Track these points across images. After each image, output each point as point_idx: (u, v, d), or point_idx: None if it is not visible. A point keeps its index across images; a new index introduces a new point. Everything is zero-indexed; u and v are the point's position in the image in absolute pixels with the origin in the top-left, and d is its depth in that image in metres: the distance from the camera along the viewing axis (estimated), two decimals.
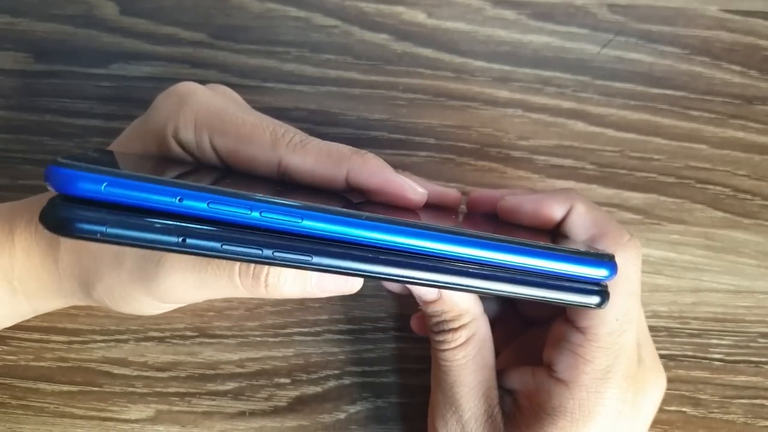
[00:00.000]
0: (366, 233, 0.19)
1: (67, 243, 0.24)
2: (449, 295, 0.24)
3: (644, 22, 0.34)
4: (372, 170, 0.23)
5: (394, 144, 0.33)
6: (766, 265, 0.32)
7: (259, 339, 0.31)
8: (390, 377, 0.31)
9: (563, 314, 0.25)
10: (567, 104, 0.33)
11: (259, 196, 0.18)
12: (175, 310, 0.31)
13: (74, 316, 0.31)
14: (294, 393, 0.31)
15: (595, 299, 0.21)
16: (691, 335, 0.32)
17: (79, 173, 0.17)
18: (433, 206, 0.26)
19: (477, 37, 0.34)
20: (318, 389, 0.31)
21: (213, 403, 0.31)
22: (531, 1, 0.34)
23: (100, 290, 0.24)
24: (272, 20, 0.34)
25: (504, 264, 0.20)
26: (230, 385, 0.31)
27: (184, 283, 0.22)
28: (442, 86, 0.34)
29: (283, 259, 0.19)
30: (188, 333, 0.31)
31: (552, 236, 0.24)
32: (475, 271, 0.20)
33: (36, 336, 0.31)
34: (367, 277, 0.19)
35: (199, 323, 0.31)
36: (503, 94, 0.33)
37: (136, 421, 0.31)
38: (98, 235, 0.17)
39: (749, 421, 0.31)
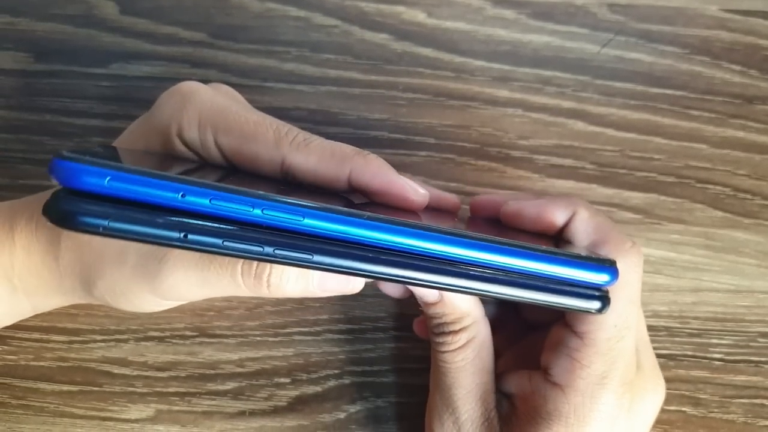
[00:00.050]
0: (367, 233, 0.19)
1: (68, 240, 0.24)
2: (450, 297, 0.24)
3: (644, 21, 0.34)
4: (374, 171, 0.23)
5: (394, 143, 0.33)
6: (766, 264, 0.32)
7: (259, 339, 0.31)
8: (390, 377, 0.31)
9: (562, 319, 0.25)
10: (567, 104, 0.33)
11: (261, 193, 0.18)
12: (174, 310, 0.31)
13: (74, 315, 0.31)
14: (294, 393, 0.31)
15: (595, 304, 0.21)
16: (691, 335, 0.32)
17: (83, 167, 0.17)
18: (433, 209, 0.26)
19: (477, 37, 0.34)
20: (318, 389, 0.31)
21: (213, 402, 0.31)
22: (531, 1, 0.34)
23: (102, 287, 0.24)
24: (272, 20, 0.34)
25: (505, 267, 0.20)
26: (230, 385, 0.31)
27: (187, 281, 0.22)
28: (442, 86, 0.34)
29: (284, 257, 0.19)
30: (188, 333, 0.31)
31: (555, 241, 0.24)
32: (476, 273, 0.20)
33: (36, 336, 0.31)
34: (368, 276, 0.19)
35: (199, 323, 0.31)
36: (503, 93, 0.33)
37: (136, 420, 0.31)
38: (100, 228, 0.18)
39: (749, 421, 0.31)
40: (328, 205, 0.19)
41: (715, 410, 0.31)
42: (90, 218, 0.17)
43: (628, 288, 0.23)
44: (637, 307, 0.24)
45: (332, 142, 0.24)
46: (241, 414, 0.31)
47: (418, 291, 0.24)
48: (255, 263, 0.22)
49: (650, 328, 0.27)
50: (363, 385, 0.31)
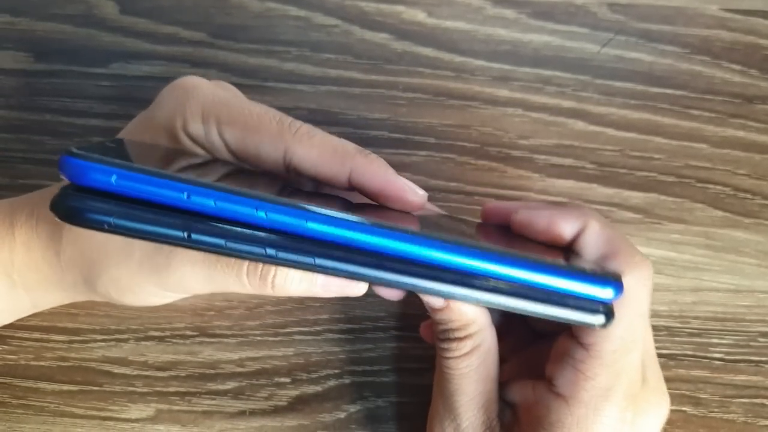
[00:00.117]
0: (370, 239, 0.19)
1: (69, 235, 0.24)
2: (456, 304, 0.24)
3: (644, 21, 0.34)
4: (375, 171, 0.23)
5: (394, 143, 0.33)
6: (767, 264, 0.32)
7: (259, 338, 0.31)
8: (390, 377, 0.31)
9: (568, 329, 0.24)
10: (567, 103, 0.33)
11: (265, 195, 0.18)
12: (175, 310, 0.31)
13: (74, 315, 0.31)
14: (294, 392, 0.31)
15: (599, 319, 0.20)
16: (691, 334, 0.32)
17: (90, 164, 0.18)
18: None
19: (477, 37, 0.34)
20: (318, 388, 0.31)
21: (213, 402, 0.31)
22: (531, 1, 0.34)
23: (105, 281, 0.24)
24: (272, 19, 0.34)
25: (508, 278, 0.20)
26: (230, 385, 0.31)
27: (194, 277, 0.23)
28: (442, 85, 0.34)
29: (286, 260, 0.19)
30: (188, 332, 0.31)
31: (565, 252, 0.24)
32: (478, 283, 0.20)
33: (36, 335, 0.31)
34: (369, 281, 0.19)
35: (199, 322, 0.31)
36: (503, 93, 0.33)
37: (136, 420, 0.31)
38: (106, 225, 0.18)
39: (749, 421, 0.31)
40: (332, 210, 0.19)
41: (716, 410, 0.31)
42: (96, 215, 0.18)
43: (636, 301, 0.23)
44: (645, 320, 0.24)
45: (335, 138, 0.24)
46: (242, 414, 0.31)
47: (425, 296, 0.24)
48: (261, 264, 0.22)
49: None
50: (363, 385, 0.31)
